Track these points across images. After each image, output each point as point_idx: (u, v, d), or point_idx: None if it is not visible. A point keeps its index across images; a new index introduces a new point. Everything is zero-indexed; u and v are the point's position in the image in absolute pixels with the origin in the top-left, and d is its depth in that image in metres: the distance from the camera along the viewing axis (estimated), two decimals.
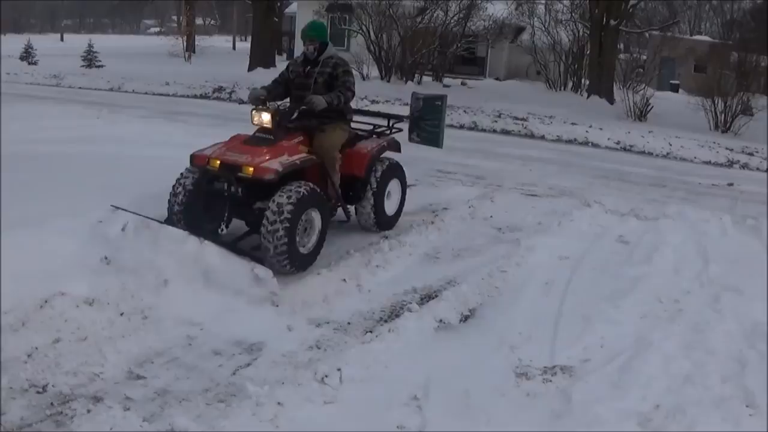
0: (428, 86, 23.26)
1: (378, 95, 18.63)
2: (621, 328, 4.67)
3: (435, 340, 4.45)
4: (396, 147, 6.70)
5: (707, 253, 6.43)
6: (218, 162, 5.29)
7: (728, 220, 7.65)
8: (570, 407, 3.66)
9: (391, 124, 6.83)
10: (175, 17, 55.55)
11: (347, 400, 3.64)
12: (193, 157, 5.47)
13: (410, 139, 7.05)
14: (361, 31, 23.93)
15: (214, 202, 5.29)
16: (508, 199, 8.15)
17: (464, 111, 16.74)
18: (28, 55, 29.58)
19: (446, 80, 25.28)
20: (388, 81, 23.31)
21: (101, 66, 27.46)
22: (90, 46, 28.56)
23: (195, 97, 18.63)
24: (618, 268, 5.93)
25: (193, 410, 3.49)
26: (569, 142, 14.16)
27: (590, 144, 14.04)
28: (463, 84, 25.67)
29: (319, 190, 5.39)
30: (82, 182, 6.58)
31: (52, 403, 3.40)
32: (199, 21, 47.96)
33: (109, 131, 10.41)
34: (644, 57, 28.01)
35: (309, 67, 5.92)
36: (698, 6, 44.07)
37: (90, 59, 28.09)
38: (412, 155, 8.20)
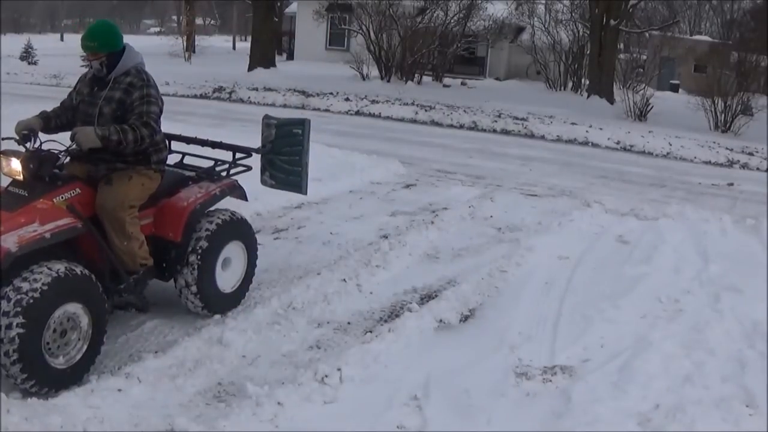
0: (428, 86, 23.29)
1: (378, 95, 18.63)
2: (621, 328, 4.67)
3: (435, 340, 4.44)
4: (238, 194, 4.88)
5: (707, 252, 6.43)
6: None
7: (728, 220, 7.65)
8: (570, 407, 3.66)
9: (232, 161, 4.96)
10: (175, 17, 55.57)
11: (347, 400, 3.64)
12: None
13: (262, 182, 5.11)
14: (361, 31, 23.95)
15: None
16: (508, 199, 8.15)
17: (464, 111, 16.74)
18: (28, 55, 29.59)
19: (446, 80, 25.31)
20: (388, 81, 23.32)
21: None
22: None
23: (195, 97, 18.63)
24: (618, 268, 5.93)
25: (193, 410, 3.49)
26: (569, 142, 14.17)
27: (590, 144, 14.04)
28: (463, 84, 25.69)
29: (83, 272, 3.67)
30: None
31: None
32: (199, 21, 47.93)
33: None
34: (644, 57, 28.04)
35: (96, 88, 4.16)
36: (698, 6, 44.05)
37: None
38: (411, 155, 8.28)
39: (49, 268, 3.54)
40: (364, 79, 23.47)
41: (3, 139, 4.03)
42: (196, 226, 4.45)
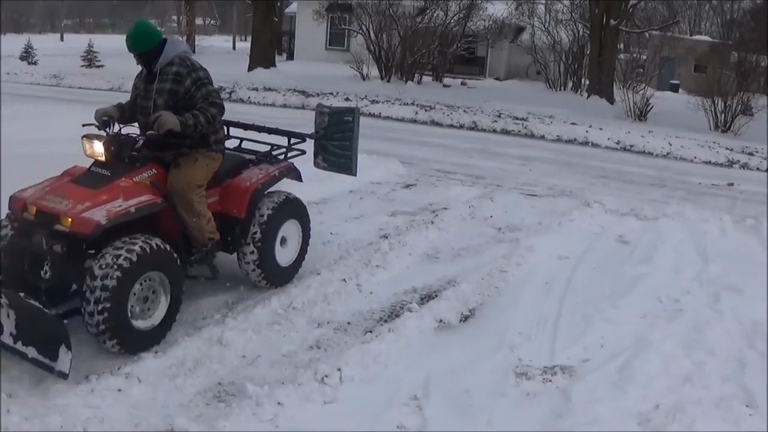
0: (428, 86, 23.28)
1: (378, 95, 18.63)
2: (621, 328, 4.67)
3: (435, 340, 4.44)
4: (294, 175, 5.32)
5: (707, 252, 6.43)
6: (35, 209, 4.02)
7: (728, 220, 7.65)
8: (570, 407, 3.66)
9: (288, 147, 5.39)
10: (175, 17, 55.56)
11: (347, 400, 3.64)
12: (11, 200, 4.16)
13: (316, 164, 5.69)
14: (361, 31, 23.95)
15: (40, 258, 4.07)
16: (508, 199, 8.15)
17: (464, 111, 16.74)
18: (28, 55, 29.58)
19: (446, 80, 25.31)
20: (388, 81, 23.32)
21: (101, 66, 27.47)
22: (90, 45, 28.59)
23: None
24: (618, 268, 5.93)
25: (193, 410, 3.49)
26: (569, 142, 14.17)
27: (590, 144, 14.04)
28: (463, 84, 25.69)
29: (161, 245, 4.07)
30: None
31: None
32: (199, 21, 47.95)
33: None
34: (644, 57, 28.02)
35: (148, 82, 4.53)
36: (698, 6, 44.05)
37: (90, 59, 28.11)
38: (411, 155, 8.28)
39: (133, 241, 3.94)
40: (364, 79, 23.47)
41: (84, 125, 4.51)
42: (259, 204, 4.88)
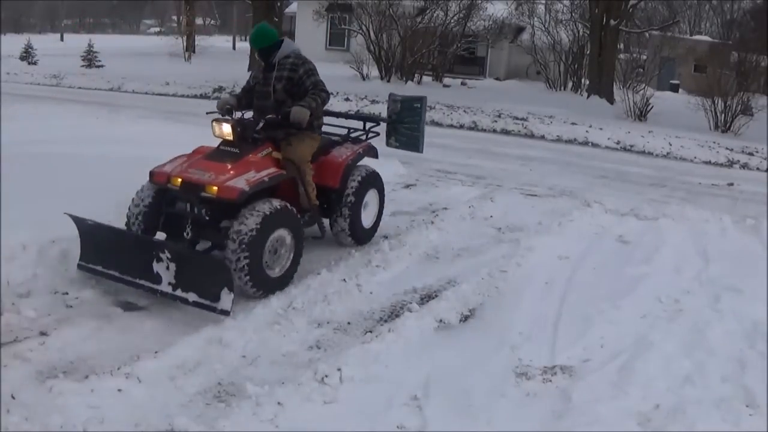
0: (428, 86, 23.27)
1: (378, 95, 18.61)
2: (621, 328, 4.67)
3: (435, 340, 4.44)
4: (373, 153, 6.28)
5: (707, 253, 6.43)
6: (180, 180, 4.82)
7: (728, 220, 7.65)
8: (570, 407, 3.66)
9: (367, 129, 6.40)
10: (175, 17, 55.53)
11: (347, 400, 3.64)
12: (152, 174, 4.97)
13: (388, 144, 6.63)
14: (361, 31, 23.95)
15: (176, 222, 4.94)
16: (508, 199, 8.14)
17: (464, 111, 16.74)
18: (28, 55, 29.62)
19: (446, 80, 25.32)
20: (388, 81, 23.33)
21: (101, 66, 27.50)
22: (90, 46, 28.60)
23: (195, 97, 18.64)
24: (618, 268, 5.92)
25: (193, 410, 3.49)
26: (569, 142, 14.17)
27: (590, 144, 14.04)
28: (463, 84, 25.70)
29: (290, 207, 4.94)
30: (75, 184, 6.58)
31: None
32: (199, 21, 47.94)
33: (109, 132, 10.41)
34: (644, 57, 28.04)
35: (267, 72, 5.46)
36: (698, 6, 44.05)
37: (90, 59, 28.12)
38: (410, 155, 8.17)
39: (264, 206, 4.75)
40: (364, 79, 23.46)
41: (208, 113, 5.41)
42: (349, 176, 5.83)
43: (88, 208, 5.12)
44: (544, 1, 28.22)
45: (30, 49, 29.76)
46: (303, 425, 3.41)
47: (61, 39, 55.11)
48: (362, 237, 6.06)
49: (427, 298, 5.11)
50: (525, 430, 3.49)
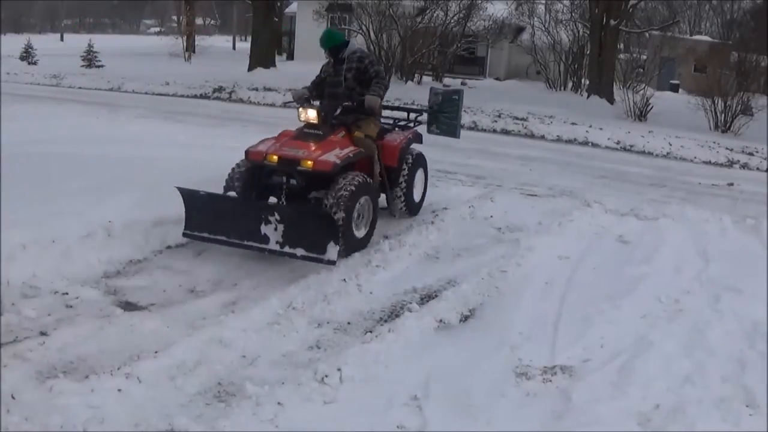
0: (428, 86, 23.25)
1: None
2: (621, 328, 4.67)
3: (435, 340, 4.44)
4: (419, 139, 7.22)
5: (707, 253, 6.43)
6: (276, 157, 5.64)
7: (728, 220, 7.65)
8: (570, 407, 3.66)
9: (415, 118, 7.52)
10: (175, 17, 55.52)
11: (347, 400, 3.64)
12: (247, 153, 5.81)
13: (429, 131, 7.53)
14: (361, 31, 23.93)
15: (268, 192, 5.72)
16: (508, 199, 8.14)
17: (464, 111, 16.69)
18: (28, 55, 29.61)
19: (446, 80, 25.31)
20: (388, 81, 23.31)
21: (101, 66, 27.49)
22: (90, 46, 28.59)
23: (195, 97, 18.65)
24: (618, 268, 5.92)
25: (193, 410, 3.49)
26: (569, 142, 14.17)
27: (590, 144, 14.04)
28: (463, 84, 25.66)
29: (369, 180, 5.94)
30: (79, 183, 6.58)
31: None
32: (199, 21, 47.94)
33: (109, 132, 10.41)
34: (644, 57, 28.03)
35: (337, 67, 6.47)
36: (698, 6, 44.07)
37: (90, 59, 28.11)
38: None
39: (353, 177, 5.69)
40: None
41: (286, 104, 6.78)
42: (404, 157, 6.78)
43: (87, 208, 5.12)
44: (544, 1, 28.22)
45: (30, 49, 29.76)
46: (303, 425, 3.41)
47: (61, 39, 55.12)
48: (413, 209, 7.04)
49: (427, 298, 5.11)
50: (525, 430, 3.49)
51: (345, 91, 6.35)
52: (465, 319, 4.78)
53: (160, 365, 3.83)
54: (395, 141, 6.74)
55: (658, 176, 10.82)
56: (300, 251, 5.18)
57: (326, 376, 3.74)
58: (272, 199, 5.49)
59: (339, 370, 3.80)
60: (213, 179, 6.14)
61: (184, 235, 5.58)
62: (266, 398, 3.52)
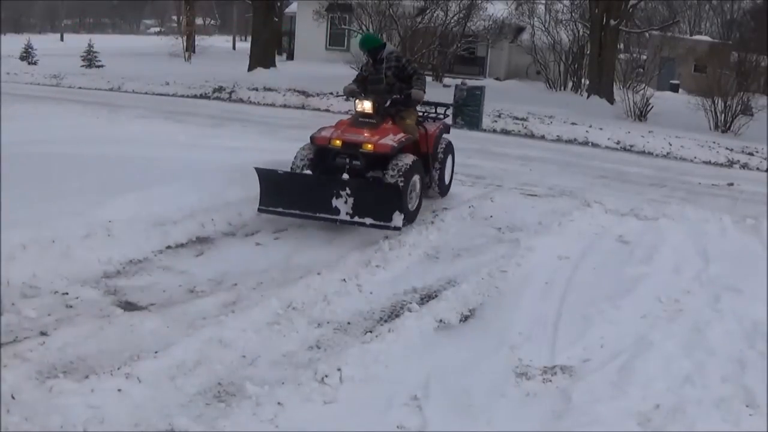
0: (428, 86, 23.15)
1: None
2: (621, 328, 4.67)
3: (435, 340, 4.44)
4: (448, 129, 8.07)
5: (707, 253, 6.43)
6: (339, 141, 6.44)
7: (728, 220, 7.65)
8: (570, 407, 3.66)
9: (444, 111, 8.26)
10: (175, 17, 55.51)
11: (347, 400, 3.64)
12: (313, 138, 6.59)
13: (454, 123, 8.63)
14: (361, 31, 23.93)
15: (331, 172, 6.51)
16: (508, 199, 8.15)
17: None
18: (28, 55, 29.58)
19: (446, 80, 25.27)
20: None
21: (101, 66, 27.47)
22: (90, 46, 28.57)
23: (195, 97, 18.65)
24: (618, 268, 5.92)
25: (193, 410, 3.49)
26: (569, 142, 14.17)
27: (590, 144, 14.04)
28: (463, 84, 25.65)
29: (419, 161, 6.74)
30: (83, 182, 6.57)
31: None
32: (199, 21, 47.93)
33: (109, 132, 10.41)
34: (644, 57, 28.03)
35: (377, 66, 7.30)
36: (698, 6, 44.07)
37: (90, 59, 28.09)
38: None
39: (407, 158, 6.52)
40: None
41: (339, 94, 7.19)
42: (438, 144, 7.60)
43: (87, 208, 5.12)
44: (544, 1, 28.21)
45: (30, 49, 29.72)
46: (303, 425, 3.41)
47: (61, 39, 55.07)
48: (444, 190, 7.85)
49: (427, 298, 5.10)
50: (525, 430, 3.49)
51: (386, 86, 7.15)
52: (465, 319, 4.78)
53: (160, 365, 3.83)
54: (430, 130, 7.49)
55: (658, 176, 10.83)
56: (369, 220, 6.00)
57: (326, 376, 3.74)
58: (345, 176, 6.19)
59: (339, 370, 3.80)
60: (213, 180, 6.13)
61: (259, 210, 6.27)
62: (266, 398, 3.51)
